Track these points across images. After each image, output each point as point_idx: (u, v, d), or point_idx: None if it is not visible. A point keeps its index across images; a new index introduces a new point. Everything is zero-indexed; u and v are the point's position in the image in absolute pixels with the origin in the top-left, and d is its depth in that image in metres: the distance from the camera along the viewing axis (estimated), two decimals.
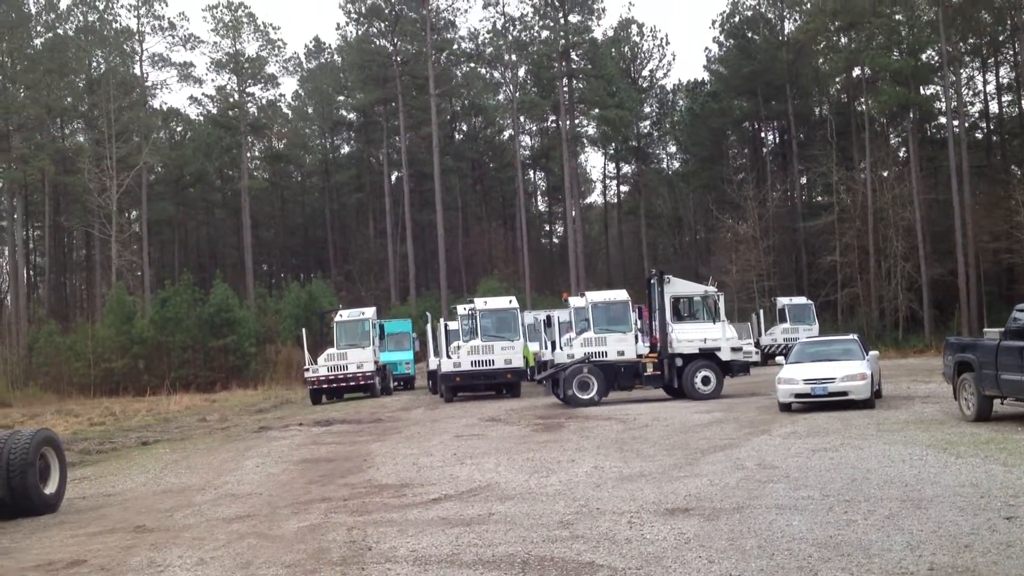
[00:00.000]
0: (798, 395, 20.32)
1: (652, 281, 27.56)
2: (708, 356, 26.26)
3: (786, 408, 20.58)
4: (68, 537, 11.35)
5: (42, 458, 13.41)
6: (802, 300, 48.11)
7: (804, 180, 71.49)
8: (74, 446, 21.79)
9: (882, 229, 55.75)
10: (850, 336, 23.87)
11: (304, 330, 38.27)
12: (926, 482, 11.33)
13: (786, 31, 69.90)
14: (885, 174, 58.46)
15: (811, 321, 45.34)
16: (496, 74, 76.56)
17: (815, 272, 61.89)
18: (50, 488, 13.54)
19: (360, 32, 75.32)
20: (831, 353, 21.79)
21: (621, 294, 33.51)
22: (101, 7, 70.93)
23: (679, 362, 26.35)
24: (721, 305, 26.80)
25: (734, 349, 26.49)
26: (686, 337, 26.34)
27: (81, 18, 71.51)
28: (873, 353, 22.43)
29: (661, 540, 9.06)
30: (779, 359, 23.14)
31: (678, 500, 11.08)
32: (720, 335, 26.37)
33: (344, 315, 37.70)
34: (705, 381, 26.00)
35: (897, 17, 57.89)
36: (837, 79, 65.49)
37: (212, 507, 12.88)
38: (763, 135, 78.18)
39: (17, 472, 12.80)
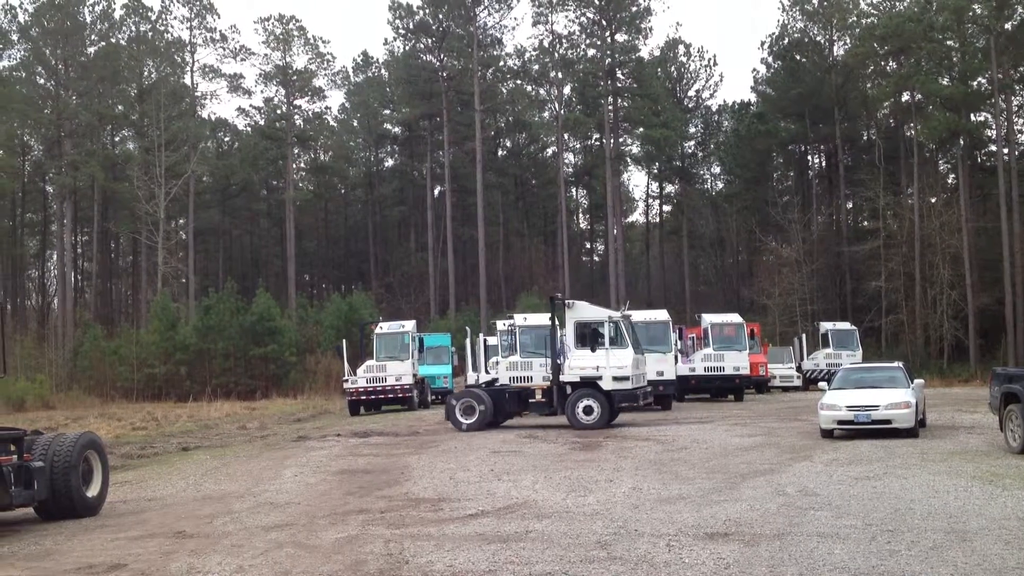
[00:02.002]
0: (841, 422, 20.05)
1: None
2: (592, 385, 24.88)
3: (828, 435, 20.32)
4: (109, 541, 11.46)
5: (85, 461, 13.55)
6: (846, 326, 47.51)
7: (850, 204, 70.80)
8: (116, 450, 22.02)
9: (929, 256, 55.06)
10: (895, 364, 23.53)
11: (344, 341, 38.43)
12: (971, 514, 11.15)
13: (835, 54, 69.42)
14: (933, 200, 57.74)
15: (854, 347, 44.74)
16: (541, 91, 76.76)
17: (859, 298, 61.18)
18: (92, 491, 13.67)
19: (407, 47, 75.92)
20: (875, 380, 21.48)
21: (661, 314, 33.43)
22: (154, 18, 72.11)
23: (568, 390, 25.11)
24: (624, 331, 25.17)
25: (617, 379, 24.53)
26: (578, 364, 25.01)
27: (134, 28, 72.63)
28: (918, 381, 22.10)
29: (700, 564, 8.98)
30: (822, 385, 22.83)
31: (717, 524, 10.98)
32: (604, 363, 24.66)
33: (384, 327, 37.83)
34: (587, 411, 24.56)
35: (948, 43, 57.32)
36: (886, 103, 64.90)
37: (251, 515, 12.96)
38: (809, 158, 77.66)
39: (60, 474, 12.94)
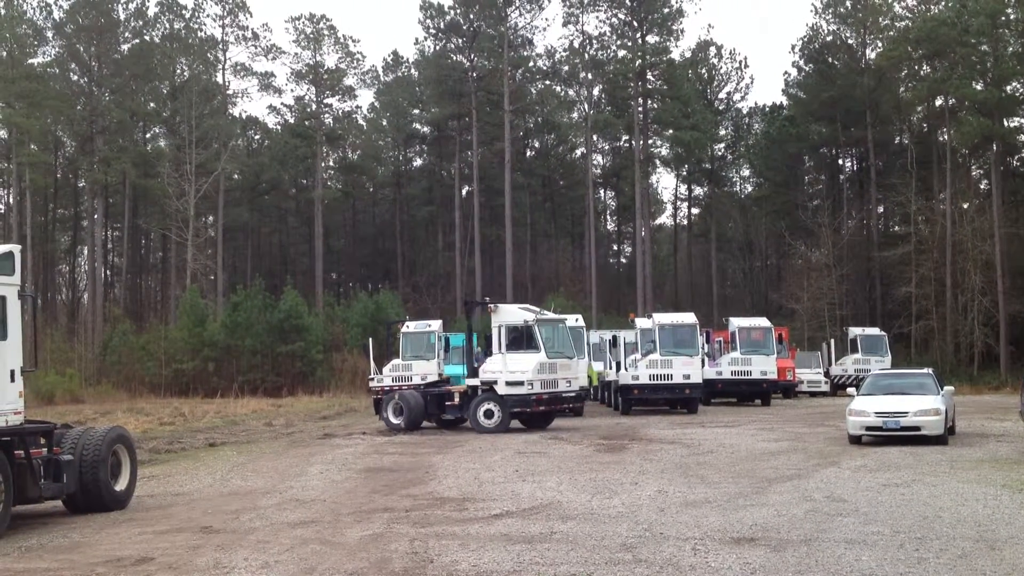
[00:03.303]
0: (869, 428, 19.91)
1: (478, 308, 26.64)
2: (491, 389, 24.95)
3: (856, 441, 20.19)
4: (136, 534, 11.56)
5: (114, 455, 13.69)
6: (875, 331, 47.15)
7: (881, 209, 70.22)
8: (144, 445, 22.18)
9: (960, 262, 54.53)
10: (925, 370, 23.33)
11: (370, 340, 38.53)
12: (1000, 523, 11.05)
13: (867, 57, 68.87)
14: (965, 206, 57.20)
15: (884, 353, 44.41)
16: (571, 92, 76.58)
17: (889, 303, 60.69)
18: (120, 485, 13.80)
19: (438, 47, 75.96)
20: (905, 386, 21.30)
21: (689, 317, 33.28)
22: (187, 16, 72.59)
23: (480, 394, 25.28)
24: (536, 335, 24.75)
25: (511, 383, 24.42)
26: (489, 368, 25.12)
27: (167, 26, 73.11)
28: (948, 388, 21.90)
29: (726, 569, 8.94)
30: (850, 390, 22.67)
31: (744, 529, 10.92)
32: (500, 368, 24.71)
33: (410, 327, 37.79)
34: (487, 414, 24.69)
35: (982, 48, 56.73)
36: (919, 107, 64.33)
37: (277, 511, 13.03)
38: (840, 162, 76.99)
39: (89, 468, 13.08)
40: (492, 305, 26.04)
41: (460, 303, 70.06)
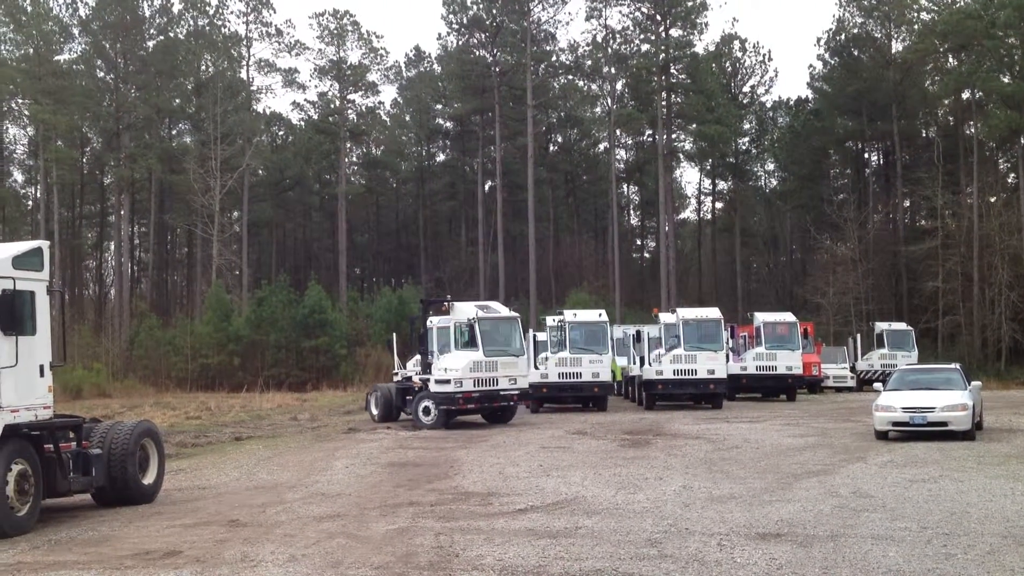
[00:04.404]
0: (896, 423, 19.80)
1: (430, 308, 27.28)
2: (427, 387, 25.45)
3: (882, 436, 20.07)
4: (164, 527, 11.65)
5: (142, 449, 13.82)
6: (901, 326, 46.86)
7: (907, 203, 69.69)
8: (171, 439, 22.33)
9: (987, 256, 54.05)
10: (952, 365, 23.17)
11: (394, 334, 38.63)
12: None
13: (893, 50, 68.31)
14: (992, 200, 56.68)
15: (910, 348, 44.14)
16: (594, 87, 76.37)
17: (916, 298, 60.23)
18: (148, 479, 13.92)
19: (460, 42, 75.97)
20: (932, 382, 21.20)
21: (713, 312, 33.20)
22: (211, 12, 72.90)
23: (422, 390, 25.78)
24: (477, 333, 25.11)
25: (440, 381, 24.96)
26: (434, 365, 25.53)
27: (192, 23, 73.45)
28: (975, 384, 21.76)
29: (752, 565, 8.91)
30: (877, 386, 22.54)
31: (770, 525, 10.89)
32: (436, 365, 25.26)
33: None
34: (426, 411, 25.10)
35: (1010, 40, 56.15)
36: (945, 101, 63.77)
37: (303, 505, 13.11)
38: (866, 155, 76.49)
39: (117, 462, 13.20)
40: (447, 304, 26.53)
41: (484, 298, 70.23)
